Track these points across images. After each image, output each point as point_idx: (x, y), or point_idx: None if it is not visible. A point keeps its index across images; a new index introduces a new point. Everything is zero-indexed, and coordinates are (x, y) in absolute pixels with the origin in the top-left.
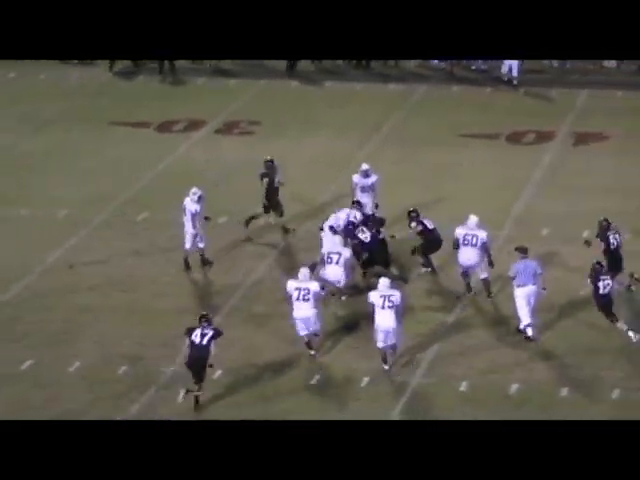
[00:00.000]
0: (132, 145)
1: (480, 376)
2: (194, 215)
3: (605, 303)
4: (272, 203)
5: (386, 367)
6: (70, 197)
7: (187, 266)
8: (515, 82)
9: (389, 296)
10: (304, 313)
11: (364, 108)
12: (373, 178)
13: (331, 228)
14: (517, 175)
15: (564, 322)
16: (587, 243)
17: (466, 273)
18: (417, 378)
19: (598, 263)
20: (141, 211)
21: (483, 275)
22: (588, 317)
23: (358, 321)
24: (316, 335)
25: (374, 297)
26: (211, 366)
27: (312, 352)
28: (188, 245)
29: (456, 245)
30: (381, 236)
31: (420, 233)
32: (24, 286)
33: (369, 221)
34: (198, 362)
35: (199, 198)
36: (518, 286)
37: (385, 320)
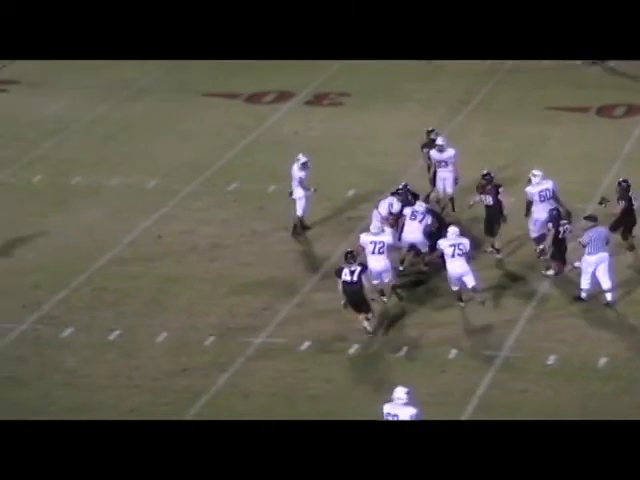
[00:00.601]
0: (222, 116)
1: (568, 350)
2: (300, 181)
3: (561, 247)
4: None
5: (462, 304)
6: (160, 167)
7: (296, 232)
8: None
9: (459, 244)
10: (380, 265)
11: (452, 82)
12: (450, 152)
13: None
14: (606, 149)
15: None
16: (603, 201)
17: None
18: (505, 351)
19: (555, 209)
20: (230, 182)
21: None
22: None
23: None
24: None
25: (444, 245)
26: (373, 300)
27: (384, 299)
28: (299, 211)
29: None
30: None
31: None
32: (112, 256)
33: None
34: (356, 298)
35: (303, 165)
36: (589, 254)
37: (458, 268)
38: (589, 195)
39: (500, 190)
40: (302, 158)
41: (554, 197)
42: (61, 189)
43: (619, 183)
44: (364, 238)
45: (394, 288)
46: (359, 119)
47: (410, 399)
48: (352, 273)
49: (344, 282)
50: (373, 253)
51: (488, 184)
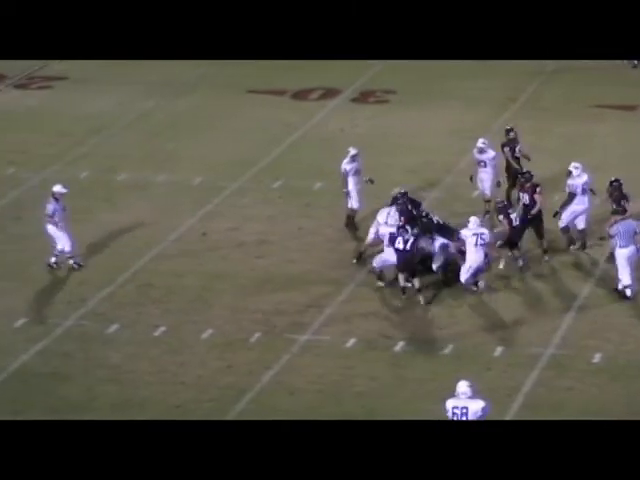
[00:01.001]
0: (268, 113)
1: (613, 348)
2: (352, 172)
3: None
4: (510, 174)
5: (475, 289)
6: (205, 164)
7: (352, 225)
8: None
9: (481, 234)
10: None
11: (498, 80)
12: (490, 154)
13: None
14: None
15: None
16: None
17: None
18: (551, 349)
19: (501, 201)
20: (276, 178)
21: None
22: None
23: (489, 292)
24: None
25: (467, 234)
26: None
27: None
28: (355, 205)
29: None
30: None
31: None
32: (158, 253)
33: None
34: (407, 265)
35: (352, 158)
36: (620, 247)
37: (478, 257)
38: (635, 193)
39: (537, 190)
40: (352, 151)
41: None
42: (107, 185)
43: (611, 183)
44: (383, 230)
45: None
46: (405, 117)
47: (474, 392)
48: (406, 242)
49: (397, 249)
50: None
51: (526, 182)
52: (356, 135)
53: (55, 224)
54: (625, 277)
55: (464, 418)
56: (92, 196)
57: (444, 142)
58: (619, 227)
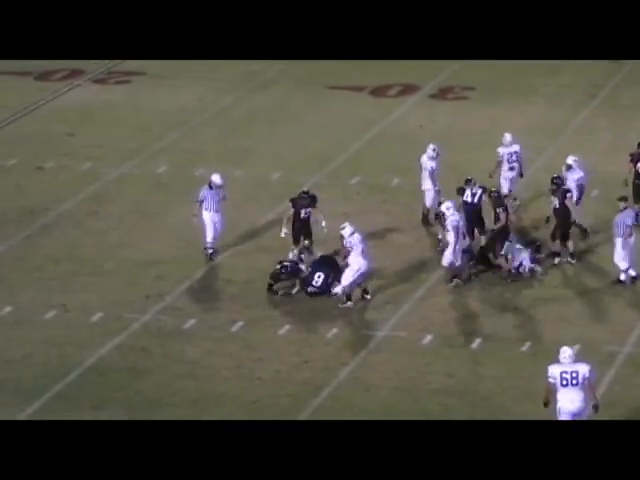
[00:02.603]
0: (347, 109)
1: None
2: (431, 172)
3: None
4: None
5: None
6: (284, 159)
7: (427, 221)
8: None
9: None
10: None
11: (577, 76)
12: (516, 147)
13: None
14: None
15: None
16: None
17: None
18: (628, 347)
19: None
20: (354, 174)
21: None
22: None
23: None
24: None
25: (450, 217)
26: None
27: (368, 296)
28: (428, 203)
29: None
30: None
31: None
32: (236, 248)
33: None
34: (474, 216)
35: (437, 154)
36: (616, 237)
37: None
38: None
39: (568, 195)
40: (434, 147)
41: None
42: (185, 180)
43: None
44: (355, 240)
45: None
46: (484, 113)
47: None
48: (474, 195)
49: (464, 202)
50: (362, 252)
51: (558, 188)
52: (435, 131)
53: (205, 210)
54: (620, 263)
55: (574, 382)
56: (170, 191)
57: (523, 139)
58: (620, 216)
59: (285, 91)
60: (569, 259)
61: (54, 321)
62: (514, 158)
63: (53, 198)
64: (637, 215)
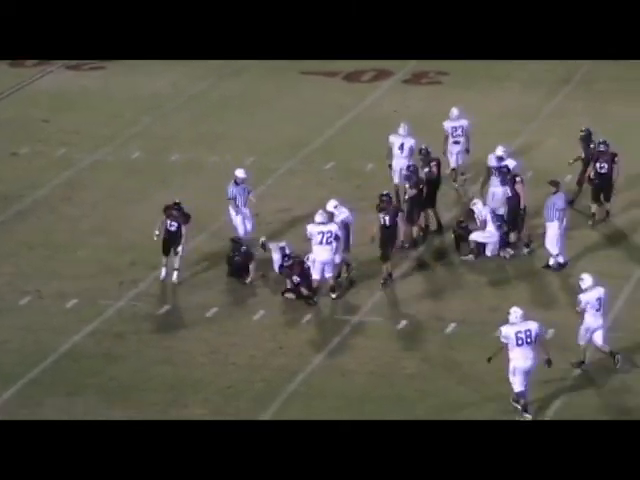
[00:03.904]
0: (321, 94)
1: None
2: (401, 147)
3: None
4: None
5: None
6: (257, 145)
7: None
8: None
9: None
10: (326, 255)
11: (551, 61)
12: (463, 122)
13: None
14: None
15: None
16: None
17: None
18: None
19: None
20: (328, 160)
21: None
22: None
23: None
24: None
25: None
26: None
27: (333, 295)
28: (396, 180)
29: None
30: None
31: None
32: (211, 234)
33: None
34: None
35: (406, 133)
36: (547, 221)
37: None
38: None
39: (517, 180)
40: (402, 125)
41: None
42: (160, 166)
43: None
44: (311, 228)
45: (332, 288)
46: (458, 98)
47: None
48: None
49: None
50: (320, 243)
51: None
52: (409, 116)
53: (236, 208)
54: (552, 247)
55: (528, 340)
56: (145, 177)
57: (496, 124)
58: (547, 201)
59: (258, 77)
60: (524, 249)
61: (29, 307)
62: (459, 132)
63: (28, 184)
64: (568, 200)
